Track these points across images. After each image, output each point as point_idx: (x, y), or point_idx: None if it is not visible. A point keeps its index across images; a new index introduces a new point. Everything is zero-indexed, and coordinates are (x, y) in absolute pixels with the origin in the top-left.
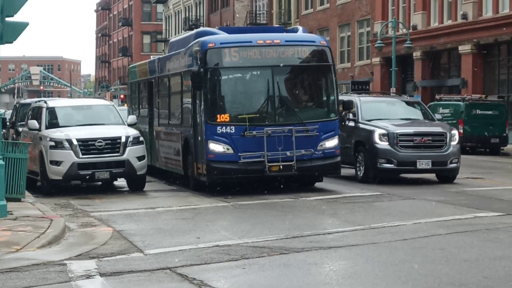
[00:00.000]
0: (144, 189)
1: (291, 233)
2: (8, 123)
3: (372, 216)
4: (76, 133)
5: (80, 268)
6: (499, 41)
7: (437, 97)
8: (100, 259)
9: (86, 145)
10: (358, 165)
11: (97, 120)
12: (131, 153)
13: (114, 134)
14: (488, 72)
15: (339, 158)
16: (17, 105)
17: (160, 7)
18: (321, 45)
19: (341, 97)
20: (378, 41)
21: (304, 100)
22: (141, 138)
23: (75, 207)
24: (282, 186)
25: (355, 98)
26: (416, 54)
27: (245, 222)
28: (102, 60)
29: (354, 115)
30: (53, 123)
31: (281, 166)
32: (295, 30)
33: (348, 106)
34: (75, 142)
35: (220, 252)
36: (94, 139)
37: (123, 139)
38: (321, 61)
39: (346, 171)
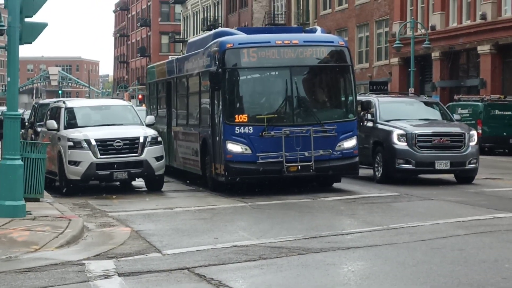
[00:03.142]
0: (162, 189)
1: (309, 234)
2: (26, 123)
3: (391, 216)
4: (94, 133)
5: (98, 268)
6: None
7: (455, 97)
8: (119, 259)
9: (105, 145)
10: (376, 165)
11: (116, 120)
12: (149, 153)
13: (133, 134)
14: (507, 73)
15: (357, 159)
16: (36, 105)
17: (178, 8)
18: (339, 46)
19: (359, 98)
20: (397, 42)
21: (322, 100)
22: (159, 138)
23: (93, 207)
24: (300, 186)
25: (373, 98)
26: (435, 54)
27: (263, 223)
28: (120, 61)
29: (372, 115)
30: (71, 123)
31: (299, 167)
32: (313, 31)
33: (367, 106)
34: (93, 142)
35: (238, 252)
36: (113, 139)
37: (141, 139)
38: (340, 61)
39: (364, 171)
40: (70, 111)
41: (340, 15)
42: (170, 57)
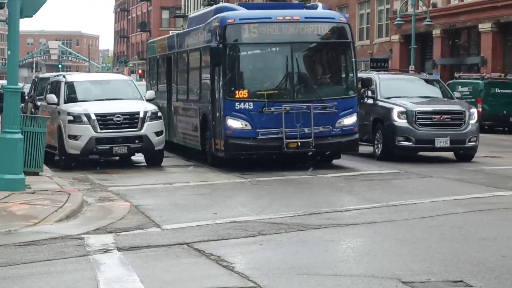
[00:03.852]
0: (161, 164)
1: (309, 210)
2: (26, 97)
3: (390, 193)
4: (94, 108)
5: (97, 242)
6: None
7: (456, 75)
8: (118, 233)
9: (104, 120)
10: (376, 142)
11: (116, 95)
12: (149, 128)
13: (133, 109)
14: (507, 51)
15: (357, 136)
16: (36, 79)
17: None
18: (340, 22)
19: (360, 74)
20: (398, 19)
21: (323, 77)
22: (159, 113)
23: (93, 181)
24: (299, 162)
25: (374, 75)
26: (436, 32)
27: (262, 199)
28: (120, 35)
29: (373, 92)
30: (71, 98)
31: (299, 143)
32: (314, 7)
33: (367, 83)
34: (93, 117)
35: (237, 228)
36: (113, 114)
37: (141, 114)
38: (341, 38)
39: (364, 148)
40: (70, 85)
41: None
42: (170, 32)
